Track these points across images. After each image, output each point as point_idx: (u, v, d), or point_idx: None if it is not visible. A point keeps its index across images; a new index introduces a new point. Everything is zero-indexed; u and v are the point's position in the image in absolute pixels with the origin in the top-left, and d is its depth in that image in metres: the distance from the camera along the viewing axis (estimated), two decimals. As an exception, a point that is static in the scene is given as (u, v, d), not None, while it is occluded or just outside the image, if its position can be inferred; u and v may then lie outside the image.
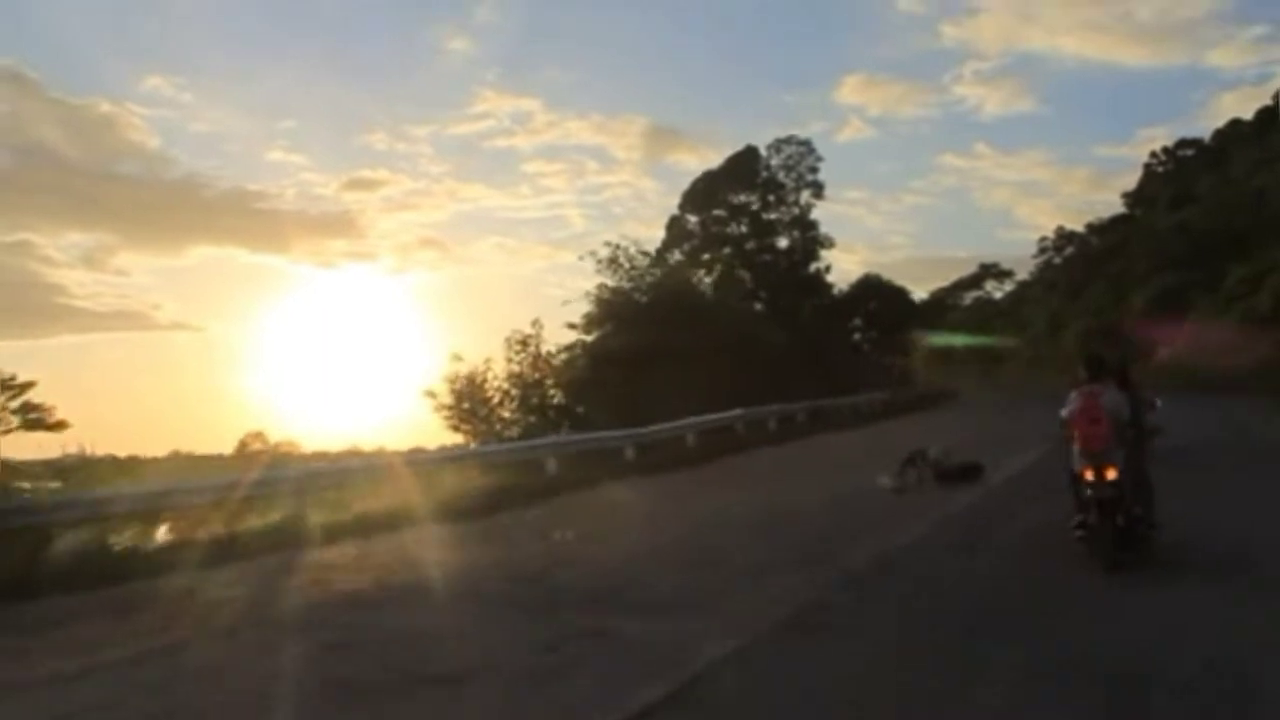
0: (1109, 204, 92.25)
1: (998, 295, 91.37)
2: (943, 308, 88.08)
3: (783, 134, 57.78)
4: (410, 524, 14.48)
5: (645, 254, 38.39)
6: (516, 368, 31.70)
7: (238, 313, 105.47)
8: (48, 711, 6.60)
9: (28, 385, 18.12)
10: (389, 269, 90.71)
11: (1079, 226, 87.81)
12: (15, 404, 17.96)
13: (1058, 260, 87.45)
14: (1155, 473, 10.34)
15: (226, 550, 12.49)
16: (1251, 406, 31.66)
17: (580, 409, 35.09)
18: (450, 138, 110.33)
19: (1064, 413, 9.76)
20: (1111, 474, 9.17)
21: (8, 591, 10.21)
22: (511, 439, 28.46)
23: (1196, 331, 54.17)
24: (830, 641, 7.34)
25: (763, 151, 56.16)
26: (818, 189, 56.55)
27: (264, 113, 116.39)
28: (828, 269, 57.23)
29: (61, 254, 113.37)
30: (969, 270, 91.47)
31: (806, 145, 56.54)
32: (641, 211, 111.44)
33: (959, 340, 58.88)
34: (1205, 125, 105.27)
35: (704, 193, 55.40)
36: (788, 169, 56.29)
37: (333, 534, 13.62)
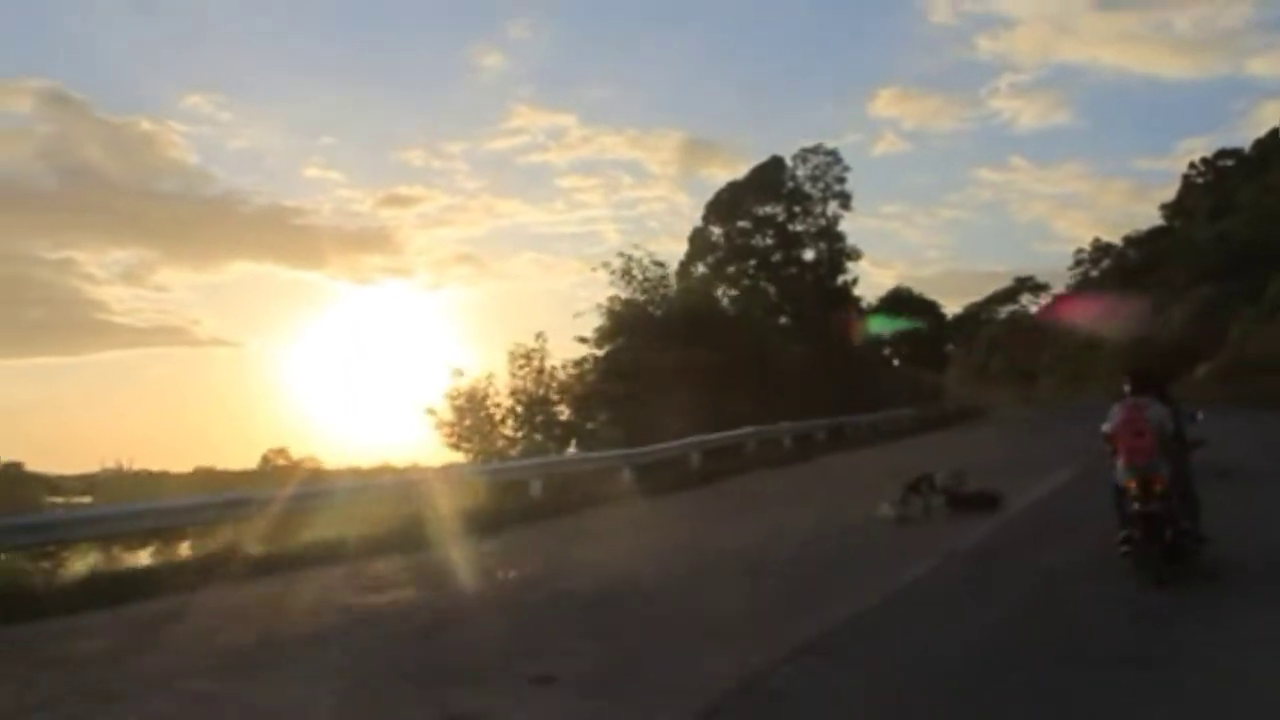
0: (1149, 216, 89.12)
1: (1033, 309, 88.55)
2: (977, 322, 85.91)
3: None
4: (341, 558, 12.69)
5: (659, 264, 36.34)
6: (520, 382, 29.82)
7: (276, 328, 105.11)
8: None
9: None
10: (425, 284, 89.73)
11: (1117, 239, 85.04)
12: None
13: (1094, 273, 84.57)
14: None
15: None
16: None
17: (590, 426, 33.29)
18: (486, 153, 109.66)
19: (1106, 427, 9.53)
20: (1158, 487, 8.90)
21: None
22: (511, 459, 26.61)
23: (1237, 344, 51.66)
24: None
25: (789, 162, 54.13)
26: (845, 200, 54.40)
27: (301, 130, 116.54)
28: (854, 281, 54.78)
29: (103, 271, 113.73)
30: (1006, 284, 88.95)
31: (833, 155, 54.41)
32: (676, 226, 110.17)
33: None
34: (1246, 135, 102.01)
35: (728, 204, 53.40)
36: (814, 179, 54.17)
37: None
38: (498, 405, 29.44)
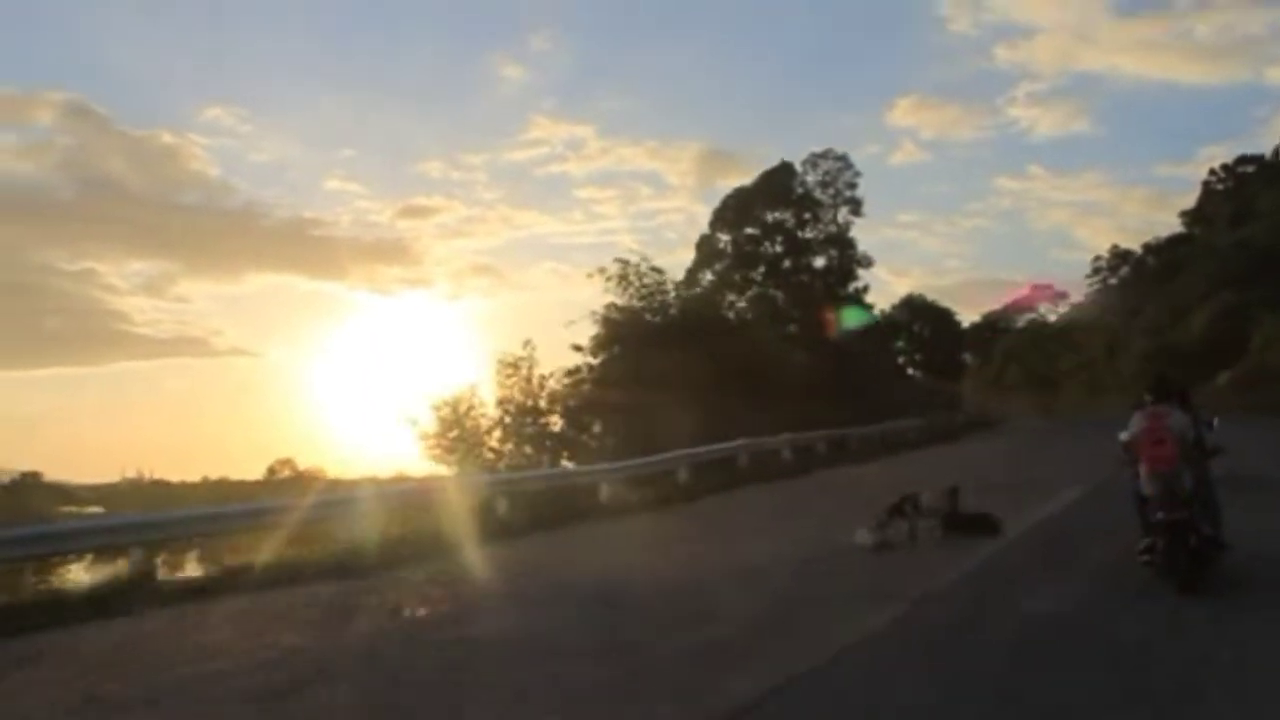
0: (1170, 224, 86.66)
1: (1052, 317, 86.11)
2: (995, 330, 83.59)
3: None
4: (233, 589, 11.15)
5: (657, 270, 34.50)
6: (506, 392, 28.23)
7: (295, 339, 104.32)
8: None
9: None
10: (444, 295, 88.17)
11: (1136, 247, 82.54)
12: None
13: (1113, 281, 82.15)
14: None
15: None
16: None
17: (584, 438, 31.69)
18: (504, 165, 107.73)
19: (1124, 436, 9.45)
20: (1182, 495, 8.77)
21: None
22: (498, 472, 25.02)
23: (1258, 352, 49.62)
24: None
25: (798, 167, 52.15)
26: (856, 206, 52.42)
27: (321, 142, 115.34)
28: (865, 289, 52.65)
29: (124, 282, 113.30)
30: (1025, 292, 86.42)
31: (844, 160, 52.45)
32: (694, 236, 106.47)
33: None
34: (1268, 143, 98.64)
35: (736, 210, 51.40)
36: (825, 185, 52.22)
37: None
38: (484, 416, 27.88)
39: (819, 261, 52.16)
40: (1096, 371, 69.29)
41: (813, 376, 40.78)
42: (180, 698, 7.08)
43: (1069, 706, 5.75)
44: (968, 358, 76.70)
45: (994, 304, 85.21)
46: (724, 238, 51.47)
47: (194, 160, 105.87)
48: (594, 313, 33.05)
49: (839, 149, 53.28)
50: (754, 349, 36.48)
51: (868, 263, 52.65)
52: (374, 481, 23.23)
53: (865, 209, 52.67)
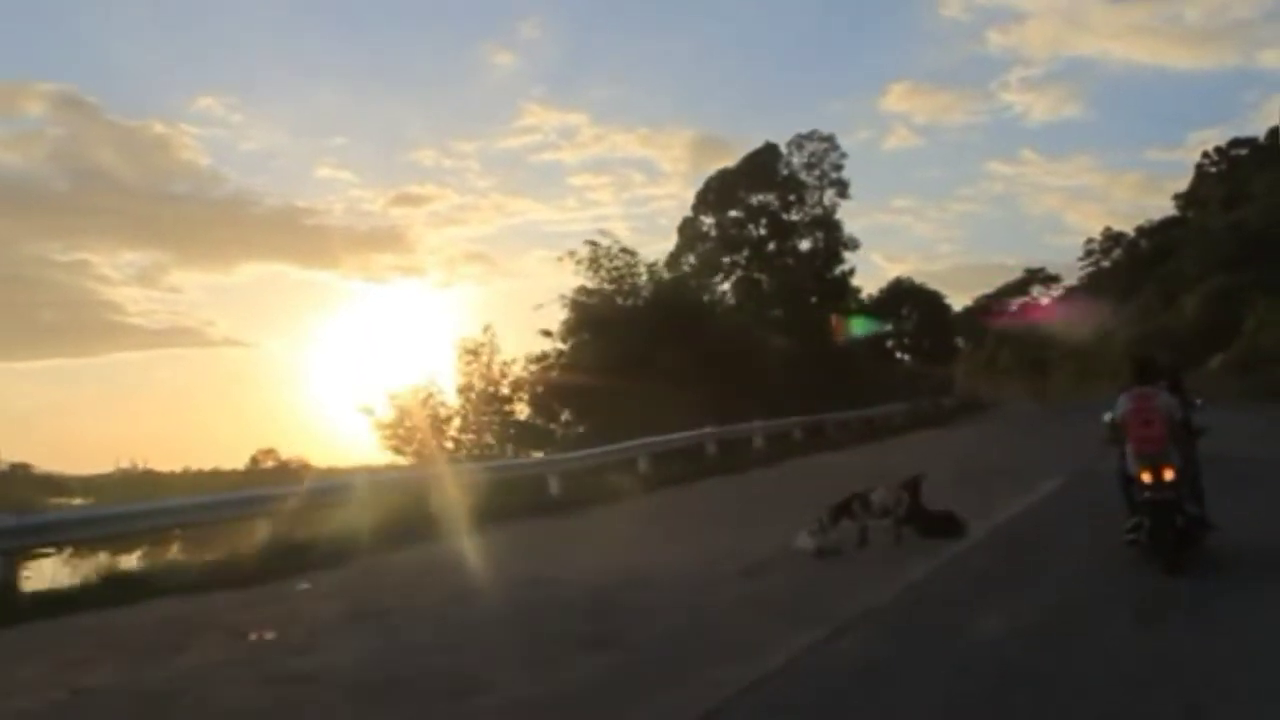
0: (1160, 208, 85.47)
1: (1044, 301, 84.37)
2: (986, 314, 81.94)
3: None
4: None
5: (628, 252, 32.68)
6: (466, 379, 26.56)
7: (289, 328, 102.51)
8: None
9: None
10: (437, 283, 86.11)
11: (1129, 230, 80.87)
12: None
13: (1106, 264, 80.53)
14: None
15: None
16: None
17: (552, 426, 30.08)
18: (497, 152, 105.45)
19: (1108, 417, 9.39)
20: (1169, 475, 8.62)
21: None
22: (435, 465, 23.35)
23: (1252, 334, 48.12)
24: None
25: (783, 149, 50.30)
26: (842, 187, 50.40)
27: (312, 131, 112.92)
28: (852, 272, 50.89)
29: (117, 272, 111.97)
30: (1018, 276, 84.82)
31: (830, 141, 50.41)
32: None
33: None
34: (1258, 127, 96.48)
35: (719, 192, 49.61)
36: (810, 166, 50.21)
37: None
38: (442, 405, 26.27)
39: (804, 244, 50.28)
40: (1087, 356, 67.69)
41: (795, 361, 39.24)
42: None
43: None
44: (960, 342, 75.16)
45: (986, 288, 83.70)
46: (707, 220, 49.71)
47: (185, 150, 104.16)
48: (563, 296, 31.35)
49: (822, 129, 51.51)
50: (733, 333, 34.87)
51: (854, 245, 50.76)
52: (333, 473, 21.89)
53: (859, 194, 51.31)
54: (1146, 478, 8.61)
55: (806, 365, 38.98)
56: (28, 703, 6.61)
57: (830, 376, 39.42)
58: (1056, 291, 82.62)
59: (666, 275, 34.92)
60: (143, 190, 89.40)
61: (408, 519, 14.63)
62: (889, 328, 56.44)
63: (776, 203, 49.78)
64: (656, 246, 47.83)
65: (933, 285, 65.50)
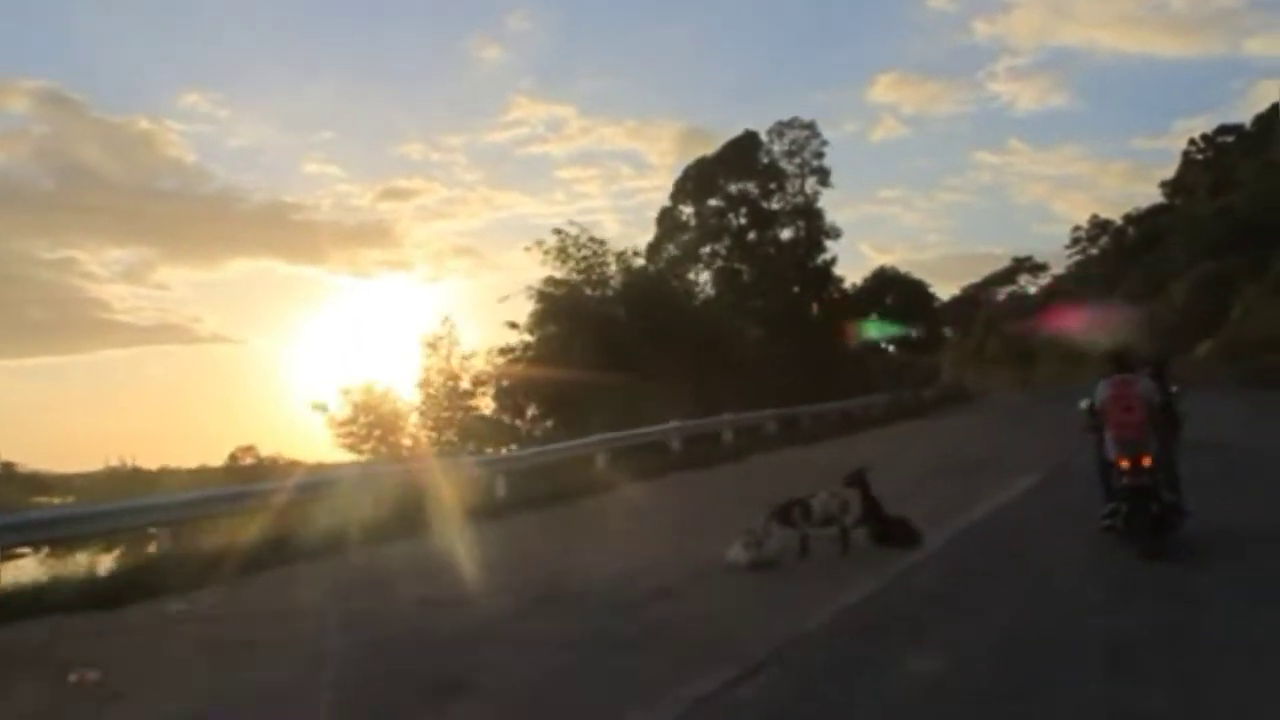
0: (1148, 196, 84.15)
1: (1032, 290, 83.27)
2: (974, 303, 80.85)
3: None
4: None
5: (597, 240, 31.38)
6: (423, 374, 25.30)
7: (277, 324, 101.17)
8: None
9: None
10: (425, 277, 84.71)
11: (1116, 218, 79.75)
12: None
13: (1094, 252, 79.44)
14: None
15: None
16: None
17: (517, 422, 28.85)
18: (485, 146, 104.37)
19: (1084, 404, 9.47)
20: (1147, 461, 8.62)
21: None
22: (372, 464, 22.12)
23: (1239, 321, 47.16)
24: None
25: (763, 136, 48.97)
26: (824, 175, 49.13)
27: (299, 126, 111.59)
28: (834, 260, 49.63)
29: (104, 270, 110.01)
30: (1005, 265, 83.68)
31: (810, 128, 49.15)
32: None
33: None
34: (1244, 115, 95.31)
35: (698, 181, 48.21)
36: (791, 154, 48.98)
37: None
38: (399, 400, 25.01)
39: (786, 233, 49.07)
40: (1075, 344, 66.57)
41: (774, 352, 38.08)
42: None
43: None
44: (948, 331, 74.00)
45: (974, 278, 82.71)
46: (686, 210, 48.37)
47: (171, 146, 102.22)
48: (529, 287, 30.04)
49: (805, 118, 50.22)
50: (708, 324, 33.63)
51: (836, 234, 49.49)
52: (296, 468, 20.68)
53: (846, 185, 50.22)
54: (1125, 464, 8.66)
55: (785, 356, 37.89)
56: None
57: (811, 368, 38.34)
58: (1044, 280, 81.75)
59: (636, 264, 33.57)
60: (129, 187, 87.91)
61: (335, 525, 13.37)
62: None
63: (757, 191, 48.51)
64: (644, 239, 46.46)
65: (921, 275, 64.38)
